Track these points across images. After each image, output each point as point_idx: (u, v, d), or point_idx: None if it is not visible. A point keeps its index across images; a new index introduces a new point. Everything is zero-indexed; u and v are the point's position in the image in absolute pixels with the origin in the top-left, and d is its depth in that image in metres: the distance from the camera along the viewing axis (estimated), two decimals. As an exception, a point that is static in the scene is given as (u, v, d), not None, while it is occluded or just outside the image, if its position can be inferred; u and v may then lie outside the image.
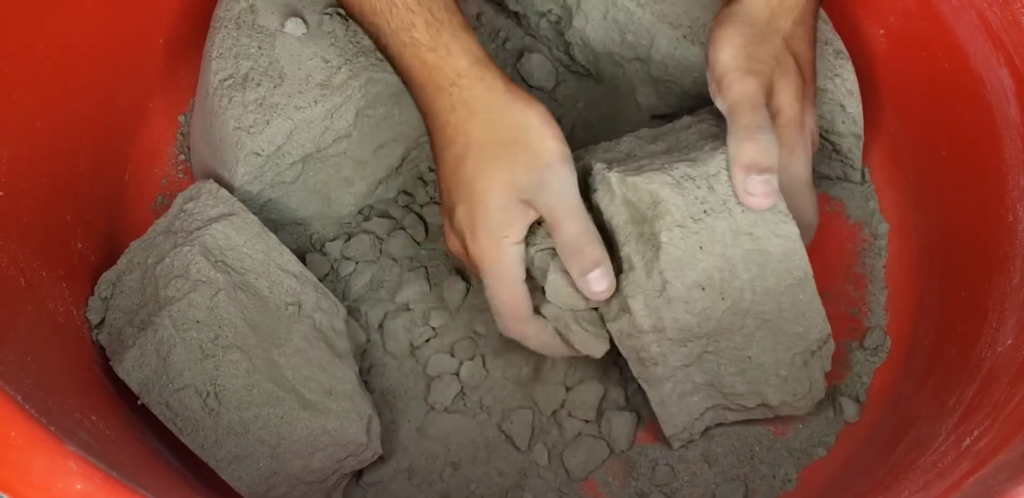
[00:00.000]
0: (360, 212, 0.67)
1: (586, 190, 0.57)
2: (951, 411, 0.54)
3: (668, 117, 0.67)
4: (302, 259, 0.60)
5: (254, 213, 0.59)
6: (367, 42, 0.62)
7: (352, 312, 0.63)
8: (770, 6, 0.55)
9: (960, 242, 0.62)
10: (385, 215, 0.66)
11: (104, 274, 0.60)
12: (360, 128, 0.62)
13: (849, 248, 0.68)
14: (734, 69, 0.54)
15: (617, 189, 0.54)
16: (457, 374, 0.63)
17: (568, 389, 0.62)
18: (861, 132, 0.65)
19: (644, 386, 0.57)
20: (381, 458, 0.59)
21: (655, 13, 0.65)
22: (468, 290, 0.64)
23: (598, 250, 0.53)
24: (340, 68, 0.61)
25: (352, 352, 0.59)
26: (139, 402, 0.54)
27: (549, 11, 0.70)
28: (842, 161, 0.67)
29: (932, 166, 0.65)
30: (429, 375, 0.63)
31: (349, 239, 0.66)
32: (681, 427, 0.59)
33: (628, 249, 0.55)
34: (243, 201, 0.60)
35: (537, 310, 0.56)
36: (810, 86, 0.57)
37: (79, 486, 0.36)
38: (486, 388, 0.62)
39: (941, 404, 0.55)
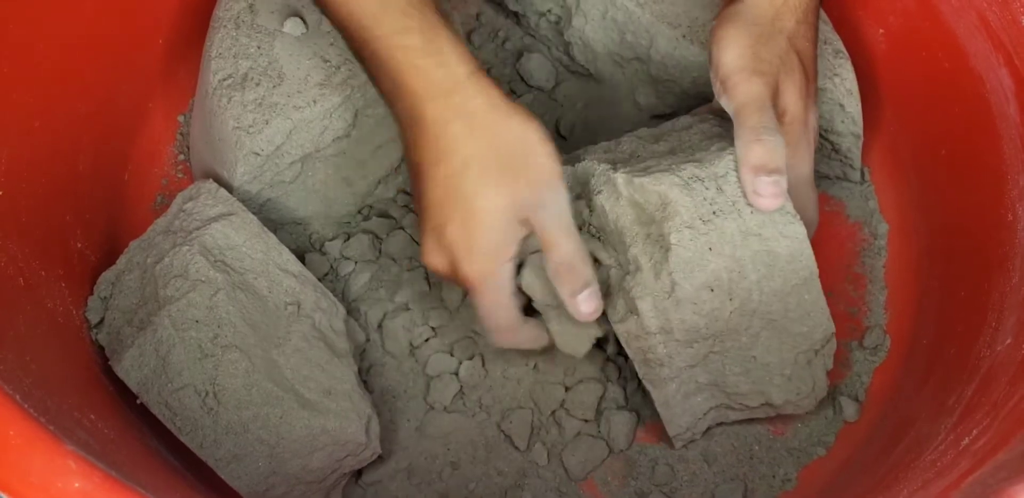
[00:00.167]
0: (359, 212, 0.67)
1: (588, 191, 0.57)
2: (950, 410, 0.54)
3: (668, 117, 0.67)
4: (301, 259, 0.60)
5: (253, 213, 0.59)
6: (366, 42, 0.62)
7: (351, 312, 0.63)
8: (774, 5, 0.55)
9: (960, 241, 0.62)
10: (384, 215, 0.67)
11: (103, 274, 0.60)
12: (359, 128, 0.62)
13: (849, 248, 0.68)
14: (740, 69, 0.54)
15: (623, 190, 0.54)
16: (456, 374, 0.63)
17: (567, 389, 0.62)
18: (860, 132, 0.65)
19: (648, 387, 0.57)
20: (380, 458, 0.59)
21: (654, 13, 0.65)
22: (467, 290, 0.64)
23: (589, 270, 0.53)
24: (339, 68, 0.61)
25: (351, 352, 0.59)
26: (138, 401, 0.54)
27: (548, 11, 0.70)
28: (841, 161, 0.67)
29: (932, 166, 0.65)
30: (428, 375, 0.63)
31: (348, 239, 0.66)
32: (684, 427, 0.59)
33: (635, 250, 0.55)
34: (242, 201, 0.60)
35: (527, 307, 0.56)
36: (813, 83, 0.57)
37: (78, 485, 0.36)
38: (485, 388, 0.63)
39: (940, 403, 0.55)
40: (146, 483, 0.39)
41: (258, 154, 0.60)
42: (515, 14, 0.72)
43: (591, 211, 0.57)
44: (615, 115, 0.71)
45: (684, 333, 0.54)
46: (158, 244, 0.58)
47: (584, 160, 0.58)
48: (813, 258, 0.54)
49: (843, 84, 0.64)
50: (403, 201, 0.67)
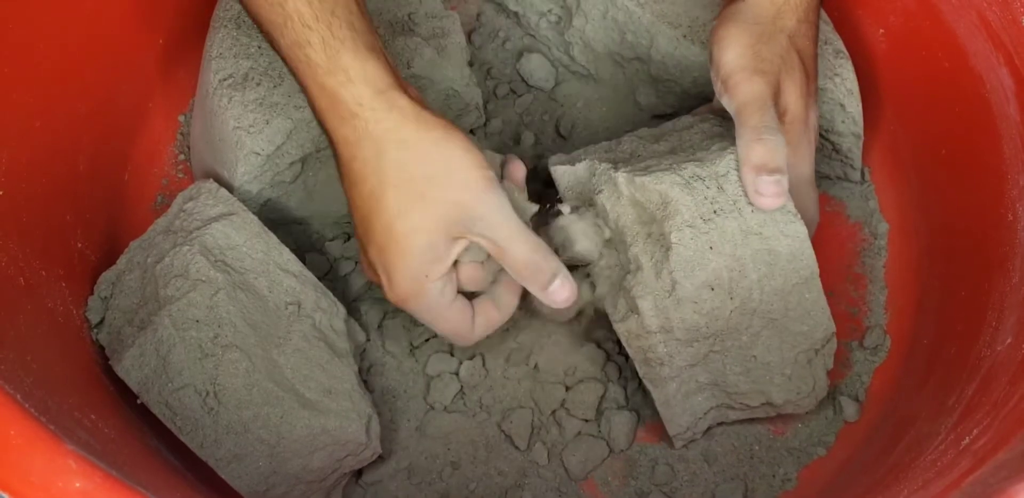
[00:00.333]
0: (360, 212, 0.67)
1: (589, 190, 0.57)
2: (950, 410, 0.54)
3: (668, 117, 0.68)
4: (302, 259, 0.60)
5: (254, 213, 0.59)
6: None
7: (352, 312, 0.63)
8: (775, 4, 0.55)
9: (960, 241, 0.62)
10: (385, 215, 0.66)
11: (104, 274, 0.60)
12: (360, 128, 0.62)
13: (849, 248, 0.68)
14: (741, 69, 0.54)
15: (625, 189, 0.54)
16: (456, 373, 0.63)
17: (568, 388, 0.62)
18: (861, 132, 0.65)
19: (649, 386, 0.57)
20: (381, 457, 0.59)
21: (655, 13, 0.65)
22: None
23: (553, 261, 0.52)
24: (340, 68, 0.61)
25: (352, 351, 0.59)
26: (138, 401, 0.54)
27: (549, 11, 0.70)
28: (842, 161, 0.67)
29: (932, 165, 0.65)
30: (429, 374, 0.63)
31: (348, 239, 0.66)
32: (685, 427, 0.59)
33: (636, 249, 0.55)
34: (243, 201, 0.60)
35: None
36: (813, 82, 0.57)
37: (78, 484, 0.36)
38: (485, 387, 0.62)
39: (940, 403, 0.55)
40: (146, 483, 0.39)
41: (258, 154, 0.60)
42: (515, 14, 0.72)
43: (591, 210, 0.57)
44: (615, 115, 0.71)
45: (684, 332, 0.54)
46: (158, 244, 0.58)
47: (584, 160, 0.58)
48: (814, 257, 0.54)
49: (844, 84, 0.64)
50: (403, 201, 0.67)
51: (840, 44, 0.65)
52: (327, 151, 0.62)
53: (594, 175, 0.56)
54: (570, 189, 0.59)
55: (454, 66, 0.64)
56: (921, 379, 0.61)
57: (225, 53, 0.61)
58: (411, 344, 0.63)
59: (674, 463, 0.61)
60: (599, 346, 0.63)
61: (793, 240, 0.53)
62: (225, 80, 0.60)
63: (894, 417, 0.61)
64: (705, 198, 0.53)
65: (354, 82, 0.48)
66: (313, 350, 0.56)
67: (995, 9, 0.56)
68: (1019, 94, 0.55)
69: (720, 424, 0.62)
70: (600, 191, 0.56)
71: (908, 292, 0.66)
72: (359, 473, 0.60)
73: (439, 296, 0.52)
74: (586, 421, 0.62)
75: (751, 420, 0.62)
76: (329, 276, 0.65)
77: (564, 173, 0.59)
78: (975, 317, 0.57)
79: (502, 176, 0.55)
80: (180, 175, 0.69)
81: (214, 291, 0.54)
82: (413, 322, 0.63)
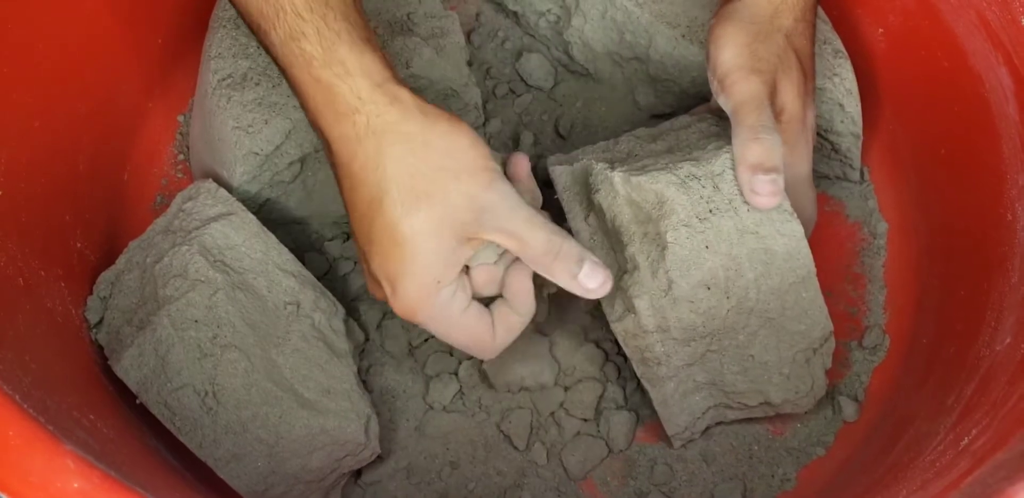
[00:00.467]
0: (359, 212, 0.67)
1: (587, 190, 0.57)
2: (949, 410, 0.54)
3: (667, 116, 0.68)
4: (301, 258, 0.60)
5: (253, 213, 0.59)
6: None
7: (351, 311, 0.63)
8: (773, 3, 0.55)
9: (959, 241, 0.62)
10: (384, 215, 0.66)
11: (103, 273, 0.60)
12: (359, 128, 0.62)
13: (848, 247, 0.68)
14: (738, 68, 0.53)
15: (621, 189, 0.54)
16: (456, 373, 0.63)
17: (566, 388, 0.62)
18: (860, 131, 0.65)
19: (646, 386, 0.57)
20: (380, 457, 0.59)
21: (653, 12, 0.65)
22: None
23: (575, 246, 0.49)
24: (339, 68, 0.61)
25: (351, 351, 0.59)
26: (137, 401, 0.54)
27: (548, 10, 0.70)
28: (841, 160, 0.67)
29: (931, 165, 0.65)
30: (428, 374, 0.63)
31: (348, 239, 0.66)
32: (683, 426, 0.59)
33: (632, 249, 0.55)
34: (242, 201, 0.60)
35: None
36: (810, 82, 0.57)
37: (77, 485, 0.36)
38: (485, 387, 0.62)
39: (940, 403, 0.55)
40: (145, 483, 0.39)
41: (257, 154, 0.60)
42: (514, 14, 0.72)
43: (591, 209, 0.57)
44: (614, 115, 0.71)
45: (681, 331, 0.54)
46: (157, 244, 0.58)
47: (582, 160, 0.58)
48: (811, 256, 0.54)
49: (842, 84, 0.64)
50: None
51: (839, 44, 0.65)
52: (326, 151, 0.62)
53: (591, 175, 0.56)
54: (567, 189, 0.59)
55: (453, 66, 0.64)
56: (920, 379, 0.61)
57: (224, 53, 0.61)
58: (410, 344, 0.63)
59: (673, 463, 0.61)
60: (598, 346, 0.63)
61: (789, 239, 0.53)
62: (224, 80, 0.60)
63: (893, 417, 0.61)
64: (701, 197, 0.53)
65: (352, 74, 0.46)
66: (312, 350, 0.56)
67: (994, 8, 0.56)
68: (1018, 93, 0.55)
69: (719, 424, 0.62)
70: (597, 191, 0.56)
71: (907, 292, 0.66)
72: (358, 473, 0.61)
73: (450, 303, 0.49)
74: (585, 421, 0.62)
75: (750, 420, 0.62)
76: (328, 276, 0.65)
77: (562, 173, 0.59)
78: (974, 317, 0.57)
79: (506, 173, 0.54)
80: (179, 175, 0.69)
81: (213, 291, 0.54)
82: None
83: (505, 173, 0.53)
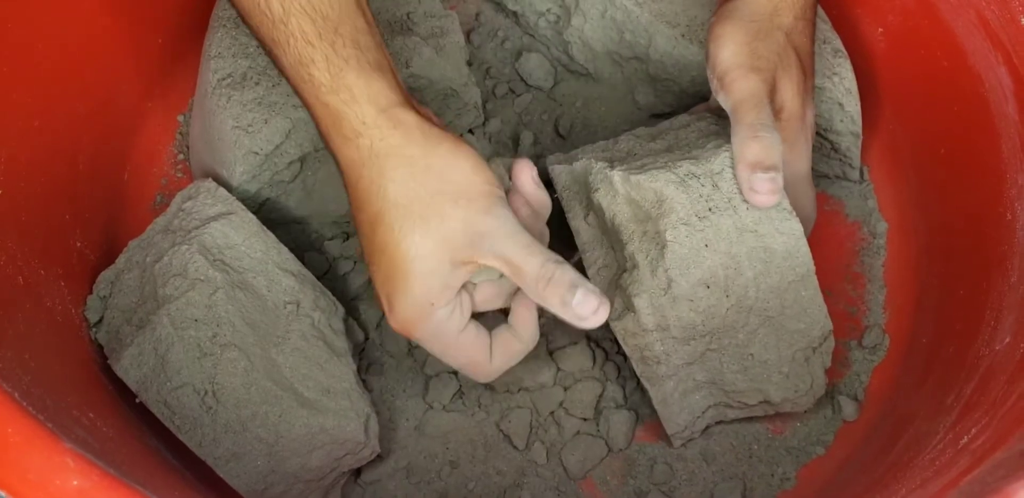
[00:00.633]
0: (359, 211, 0.67)
1: (586, 189, 0.57)
2: (949, 409, 0.54)
3: (666, 116, 0.68)
4: (300, 258, 0.60)
5: (252, 212, 0.59)
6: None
7: (351, 311, 0.63)
8: (772, 1, 0.55)
9: (959, 240, 0.62)
10: (384, 214, 0.66)
11: (103, 273, 0.60)
12: (358, 127, 0.62)
13: (848, 247, 0.68)
14: (737, 66, 0.53)
15: (620, 187, 0.54)
16: (455, 373, 0.63)
17: (566, 388, 0.62)
18: (859, 131, 0.65)
19: (646, 384, 0.57)
20: (379, 457, 0.59)
21: (653, 12, 0.65)
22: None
23: (569, 272, 0.48)
24: (338, 67, 0.61)
25: (350, 351, 0.59)
26: (137, 400, 0.54)
27: (548, 10, 0.70)
28: (841, 160, 0.67)
29: (931, 164, 0.65)
30: (427, 374, 0.63)
31: (347, 238, 0.66)
32: (683, 425, 0.59)
33: (631, 247, 0.55)
34: (241, 200, 0.60)
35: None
36: (810, 79, 0.57)
37: (76, 483, 0.36)
38: (484, 387, 0.62)
39: (939, 402, 0.55)
40: (145, 481, 0.39)
41: (257, 153, 0.60)
42: (514, 13, 0.72)
43: (591, 209, 0.57)
44: (614, 114, 0.71)
45: (681, 330, 0.54)
46: (157, 243, 0.58)
47: (581, 159, 0.58)
48: (810, 255, 0.54)
49: (842, 83, 0.64)
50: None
51: (839, 43, 0.65)
52: (326, 151, 0.62)
53: (590, 174, 0.57)
54: (567, 188, 0.59)
55: (453, 65, 0.64)
56: (920, 378, 0.61)
57: (224, 53, 0.61)
58: (410, 343, 0.63)
59: (673, 462, 0.61)
60: (597, 345, 0.63)
61: (788, 237, 0.53)
62: (224, 80, 0.60)
63: (893, 416, 0.61)
64: (700, 196, 0.53)
65: (358, 100, 0.47)
66: (312, 349, 0.56)
67: (994, 8, 0.56)
68: (1017, 93, 0.55)
69: (719, 423, 0.62)
70: (596, 190, 0.56)
71: (907, 291, 0.66)
72: (358, 472, 0.61)
73: (446, 322, 0.49)
74: (585, 420, 0.62)
75: (749, 419, 0.62)
76: (328, 275, 0.65)
77: (561, 172, 0.59)
78: (974, 316, 0.57)
79: (510, 176, 0.54)
80: (179, 175, 0.69)
81: (213, 290, 0.54)
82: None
83: (509, 175, 0.53)
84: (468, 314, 0.51)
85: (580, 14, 0.68)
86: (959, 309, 0.60)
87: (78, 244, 0.60)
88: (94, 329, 0.58)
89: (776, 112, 0.54)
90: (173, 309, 0.54)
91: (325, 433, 0.54)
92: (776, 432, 0.63)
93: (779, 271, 0.54)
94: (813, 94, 0.58)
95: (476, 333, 0.51)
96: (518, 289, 0.52)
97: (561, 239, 0.66)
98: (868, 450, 0.60)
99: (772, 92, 0.54)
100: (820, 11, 0.64)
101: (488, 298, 0.52)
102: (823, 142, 0.66)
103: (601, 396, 0.62)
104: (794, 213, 0.53)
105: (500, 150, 0.70)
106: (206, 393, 0.53)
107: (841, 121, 0.65)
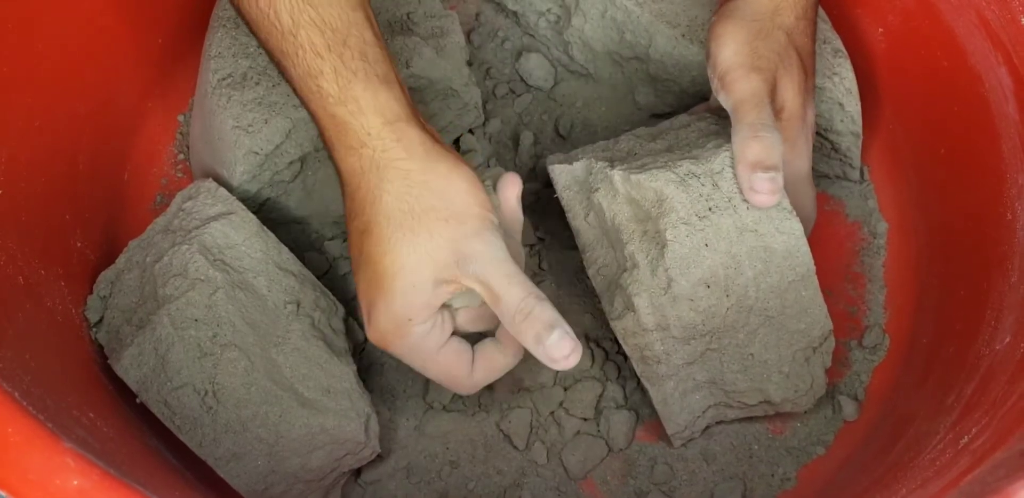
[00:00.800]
0: (359, 211, 0.66)
1: (587, 189, 0.57)
2: (949, 409, 0.54)
3: (667, 116, 0.68)
4: (301, 258, 0.60)
5: (253, 212, 0.59)
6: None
7: (351, 311, 0.63)
8: (774, 1, 0.55)
9: (959, 240, 0.62)
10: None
11: (103, 273, 0.60)
12: (359, 127, 0.62)
13: (848, 247, 0.68)
14: (738, 66, 0.53)
15: (620, 187, 0.54)
16: (456, 373, 0.63)
17: (566, 388, 0.62)
18: (860, 131, 0.65)
19: (646, 384, 0.57)
20: (380, 457, 0.59)
21: (653, 12, 0.65)
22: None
23: (549, 310, 0.47)
24: (339, 67, 0.61)
25: (350, 351, 0.59)
26: (137, 400, 0.54)
27: (548, 10, 0.70)
28: (841, 160, 0.67)
29: (931, 165, 0.65)
30: (428, 374, 0.63)
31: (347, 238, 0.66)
32: (683, 425, 0.59)
33: (632, 247, 0.55)
34: (242, 200, 0.60)
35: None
36: (811, 79, 0.57)
37: (76, 483, 0.36)
38: (485, 387, 0.62)
39: (939, 402, 0.55)
40: (145, 481, 0.39)
41: (257, 153, 0.60)
42: (514, 13, 0.72)
43: (591, 209, 0.57)
44: (614, 114, 0.71)
45: (681, 330, 0.54)
46: (157, 243, 0.58)
47: (582, 159, 0.58)
48: (810, 254, 0.54)
49: (842, 83, 0.64)
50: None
51: (839, 43, 0.65)
52: (326, 151, 0.62)
53: (591, 174, 0.57)
54: (567, 188, 0.59)
55: (453, 66, 0.64)
56: (920, 378, 0.61)
57: (224, 52, 0.61)
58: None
59: (673, 462, 0.61)
60: (597, 345, 0.63)
61: (789, 237, 0.53)
62: (224, 79, 0.60)
63: (893, 416, 0.61)
64: (700, 195, 0.53)
65: (364, 112, 0.47)
66: (312, 349, 0.56)
67: (994, 8, 0.56)
68: (1018, 93, 0.55)
69: (719, 423, 0.62)
70: (597, 189, 0.56)
71: (907, 291, 0.66)
72: (358, 472, 0.60)
73: (424, 340, 0.49)
74: (585, 420, 0.62)
75: (750, 419, 0.62)
76: (328, 275, 0.65)
77: (561, 172, 0.59)
78: (974, 316, 0.57)
79: (494, 186, 0.54)
80: (179, 175, 0.69)
81: (213, 290, 0.54)
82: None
83: (494, 186, 0.53)
84: (448, 332, 0.51)
85: (580, 14, 0.68)
86: (959, 309, 0.60)
87: (78, 244, 0.60)
88: (94, 329, 0.58)
89: (777, 112, 0.54)
90: (173, 309, 0.54)
91: (325, 433, 0.54)
92: (776, 432, 0.63)
93: (779, 271, 0.54)
94: (814, 94, 0.58)
95: (456, 349, 0.51)
96: None
97: (561, 239, 0.66)
98: (868, 450, 0.60)
99: (773, 92, 0.54)
100: (820, 11, 0.64)
101: (471, 320, 0.52)
102: (823, 142, 0.66)
103: (601, 396, 0.62)
104: (794, 213, 0.53)
105: (500, 150, 0.70)
106: (206, 393, 0.53)
107: (841, 121, 0.65)
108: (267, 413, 0.53)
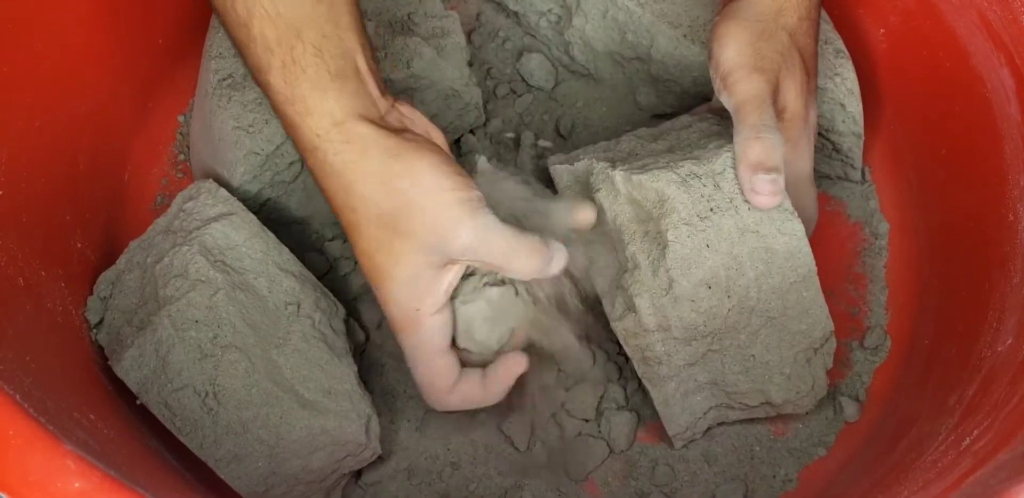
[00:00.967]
0: (360, 212, 0.66)
1: (588, 190, 0.57)
2: (951, 410, 0.54)
3: (668, 116, 0.68)
4: (301, 258, 0.60)
5: (253, 213, 0.59)
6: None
7: (351, 311, 0.63)
8: (777, 1, 0.55)
9: (960, 241, 0.62)
10: (385, 215, 0.66)
11: (103, 274, 0.60)
12: (359, 128, 0.62)
13: (849, 248, 0.68)
14: (740, 66, 0.53)
15: (622, 188, 0.54)
16: (456, 374, 0.62)
17: (567, 389, 0.62)
18: (861, 131, 0.65)
19: (647, 385, 0.57)
20: (380, 458, 0.59)
21: (655, 12, 0.65)
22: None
23: (550, 245, 0.50)
24: (339, 68, 0.61)
25: (351, 352, 0.59)
26: (138, 402, 0.54)
27: (549, 10, 0.70)
28: (842, 160, 0.67)
29: (932, 165, 0.65)
30: (428, 375, 0.63)
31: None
32: (684, 426, 0.59)
33: (633, 248, 0.55)
34: (242, 201, 0.60)
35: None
36: (813, 80, 0.57)
37: (77, 485, 0.36)
38: (486, 388, 0.62)
39: (941, 403, 0.55)
40: (145, 483, 0.39)
41: (258, 154, 0.60)
42: (515, 14, 0.72)
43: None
44: (615, 115, 0.71)
45: (682, 331, 0.54)
46: (158, 244, 0.58)
47: (583, 159, 0.58)
48: (811, 255, 0.54)
49: (844, 84, 0.64)
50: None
51: (840, 44, 0.65)
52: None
53: (592, 174, 0.56)
54: (568, 188, 0.59)
55: (454, 66, 0.64)
56: (921, 379, 0.61)
57: (224, 53, 0.61)
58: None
59: (674, 463, 0.61)
60: (599, 346, 0.63)
61: (790, 238, 0.53)
62: (224, 80, 0.60)
63: (895, 417, 0.61)
64: (702, 196, 0.53)
65: (311, 113, 0.46)
66: (312, 350, 0.56)
67: (996, 9, 0.56)
68: (1020, 94, 0.55)
69: (720, 424, 0.61)
70: (598, 190, 0.56)
71: (908, 292, 0.66)
72: (359, 473, 0.60)
73: (433, 336, 0.50)
74: (586, 421, 0.62)
75: (751, 420, 0.62)
76: (329, 276, 0.65)
77: (562, 172, 0.59)
78: (976, 317, 0.57)
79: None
80: (180, 175, 0.69)
81: (213, 291, 0.54)
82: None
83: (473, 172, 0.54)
84: (449, 337, 0.52)
85: (581, 14, 0.68)
86: (961, 310, 0.60)
87: (79, 245, 0.60)
88: (95, 330, 0.58)
89: (779, 113, 0.54)
90: (174, 310, 0.54)
91: (326, 434, 0.54)
92: (778, 433, 0.62)
93: (781, 272, 0.54)
94: (816, 95, 0.58)
95: (452, 363, 0.53)
96: (506, 355, 0.54)
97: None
98: (870, 451, 0.60)
99: (775, 93, 0.54)
100: (822, 11, 0.64)
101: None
102: (825, 143, 0.66)
103: (602, 397, 0.62)
104: (796, 213, 0.53)
105: (501, 150, 0.70)
106: (207, 394, 0.53)
107: (843, 122, 0.65)
108: (268, 414, 0.53)
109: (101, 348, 0.58)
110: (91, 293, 0.59)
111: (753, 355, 0.56)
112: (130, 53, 0.65)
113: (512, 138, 0.71)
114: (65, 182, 0.60)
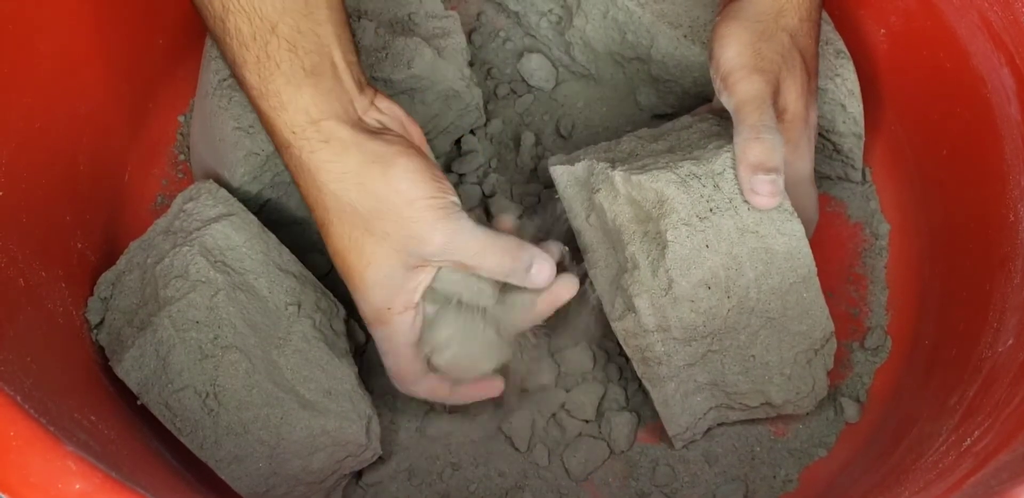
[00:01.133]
0: (360, 212, 0.66)
1: (588, 190, 0.57)
2: (952, 411, 0.54)
3: (668, 117, 0.68)
4: (301, 259, 0.60)
5: (254, 213, 0.59)
6: (367, 41, 0.62)
7: (352, 312, 0.63)
8: (778, 2, 0.55)
9: (961, 242, 0.62)
10: (385, 215, 0.66)
11: (103, 274, 0.60)
12: (360, 128, 0.62)
13: (850, 248, 0.68)
14: (741, 67, 0.53)
15: (621, 188, 0.54)
16: (457, 374, 0.62)
17: (568, 390, 0.62)
18: (862, 132, 0.65)
19: (647, 386, 0.57)
20: (381, 458, 0.59)
21: (655, 12, 0.65)
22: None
23: (523, 254, 0.51)
24: (340, 68, 0.61)
25: (352, 352, 0.59)
26: (138, 402, 0.54)
27: (549, 11, 0.70)
28: (843, 161, 0.67)
29: (933, 166, 0.65)
30: (429, 375, 0.63)
31: (349, 239, 0.66)
32: (684, 427, 0.59)
33: (633, 248, 0.55)
34: (243, 201, 0.60)
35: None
36: (814, 80, 0.57)
37: (78, 486, 0.36)
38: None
39: (942, 404, 0.55)
40: (146, 484, 0.39)
41: (258, 154, 0.60)
42: (516, 14, 0.72)
43: (592, 209, 0.57)
44: (616, 115, 0.71)
45: (682, 331, 0.54)
46: (158, 244, 0.58)
47: (583, 160, 0.58)
48: (811, 256, 0.54)
49: (844, 84, 0.64)
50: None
51: (841, 44, 0.65)
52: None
53: (592, 174, 0.56)
54: (568, 188, 0.59)
55: (454, 66, 0.64)
56: (922, 380, 0.61)
57: (225, 53, 0.61)
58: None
59: (675, 464, 0.61)
60: (599, 347, 0.63)
61: (790, 238, 0.53)
62: (225, 80, 0.60)
63: (895, 418, 0.61)
64: (701, 196, 0.53)
65: (286, 109, 0.46)
66: (313, 351, 0.56)
67: (996, 9, 0.56)
68: (1020, 94, 0.55)
69: (720, 425, 0.61)
70: (598, 190, 0.56)
71: (909, 293, 0.66)
72: (359, 474, 0.60)
73: (403, 331, 0.52)
74: (586, 422, 0.62)
75: (752, 421, 0.62)
76: (329, 276, 0.65)
77: (563, 173, 0.59)
78: (976, 318, 0.57)
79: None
80: (180, 175, 0.69)
81: (214, 292, 0.54)
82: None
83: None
84: (418, 333, 0.53)
85: (582, 15, 0.68)
86: (962, 311, 0.60)
87: (79, 245, 0.60)
88: (95, 331, 0.58)
89: (779, 113, 0.54)
90: (174, 311, 0.54)
91: (326, 435, 0.54)
92: (778, 434, 0.62)
93: (780, 272, 0.54)
94: (817, 95, 0.58)
95: (418, 355, 0.54)
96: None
97: (562, 240, 0.66)
98: (870, 452, 0.60)
99: (776, 93, 0.54)
100: (823, 12, 0.64)
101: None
102: (825, 143, 0.66)
103: (603, 398, 0.62)
104: (796, 214, 0.53)
105: (501, 151, 0.70)
106: (207, 395, 0.53)
107: (843, 122, 0.65)
108: (268, 415, 0.53)
109: (102, 349, 0.58)
110: (91, 294, 0.59)
111: (753, 356, 0.56)
112: (130, 53, 0.65)
113: (512, 138, 0.71)
114: (65, 182, 0.60)
